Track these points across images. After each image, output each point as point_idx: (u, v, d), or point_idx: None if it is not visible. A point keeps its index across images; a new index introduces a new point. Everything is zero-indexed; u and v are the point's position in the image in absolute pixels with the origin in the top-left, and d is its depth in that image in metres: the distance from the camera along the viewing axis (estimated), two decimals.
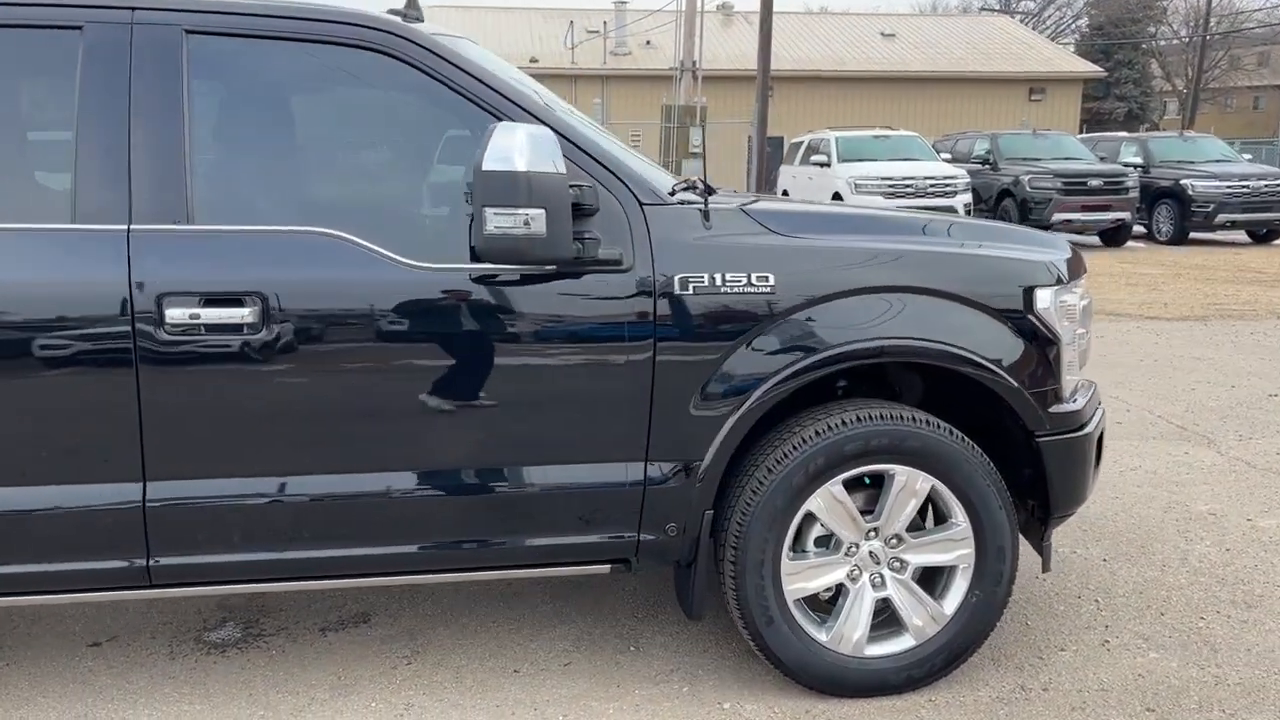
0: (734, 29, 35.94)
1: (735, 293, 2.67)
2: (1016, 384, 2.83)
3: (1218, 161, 18.24)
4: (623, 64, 33.73)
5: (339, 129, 2.80)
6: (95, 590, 2.62)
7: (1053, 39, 46.63)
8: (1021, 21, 46.69)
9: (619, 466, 2.70)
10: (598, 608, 3.47)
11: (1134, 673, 3.05)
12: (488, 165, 2.35)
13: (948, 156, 18.36)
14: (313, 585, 2.78)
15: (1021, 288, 2.88)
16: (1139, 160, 18.48)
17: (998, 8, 49.48)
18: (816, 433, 2.75)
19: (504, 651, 3.18)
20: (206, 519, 2.57)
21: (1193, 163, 18.11)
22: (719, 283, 2.66)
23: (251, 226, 2.55)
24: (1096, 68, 37.57)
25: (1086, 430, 3.00)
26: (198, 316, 2.45)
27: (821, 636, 2.85)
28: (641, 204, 2.66)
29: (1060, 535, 4.09)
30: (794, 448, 2.74)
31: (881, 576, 2.87)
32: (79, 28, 2.50)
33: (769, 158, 22.06)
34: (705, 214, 2.72)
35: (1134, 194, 16.80)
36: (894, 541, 2.86)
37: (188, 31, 2.54)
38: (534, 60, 32.49)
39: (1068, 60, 37.79)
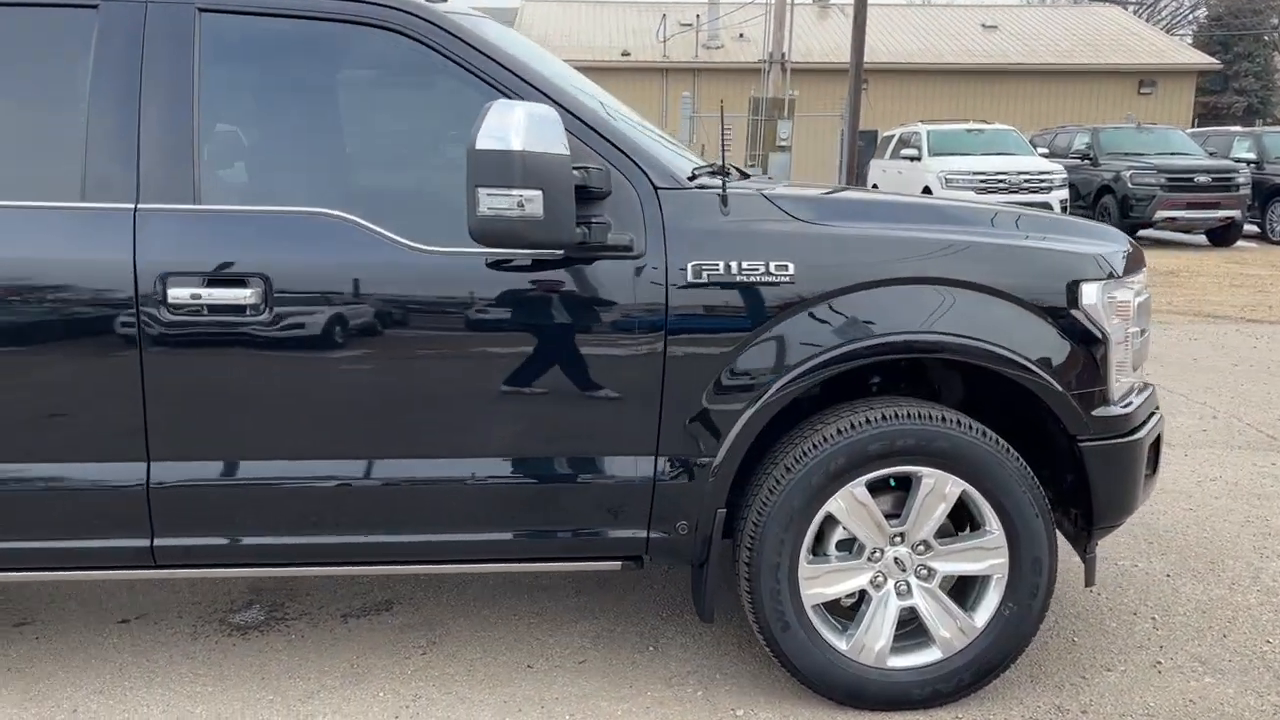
0: (830, 21, 35.35)
1: (752, 281, 2.55)
2: (1058, 385, 2.64)
3: None
4: (714, 57, 33.46)
5: (349, 109, 2.75)
6: (99, 569, 2.63)
7: (1168, 31, 44.73)
8: (1135, 13, 44.87)
9: (628, 460, 2.61)
10: (621, 604, 3.38)
11: (1185, 698, 2.83)
12: (480, 144, 2.26)
13: (1045, 151, 17.78)
14: (322, 571, 2.77)
15: (1066, 282, 2.69)
16: (1252, 156, 17.60)
17: None
18: (838, 431, 2.61)
19: (520, 645, 3.11)
20: (210, 501, 2.56)
21: None
22: (735, 271, 2.54)
23: (256, 207, 2.53)
24: (1211, 59, 35.82)
25: (1137, 436, 2.79)
26: (200, 297, 2.44)
27: (841, 645, 2.71)
28: (656, 188, 2.56)
29: (1123, 547, 3.86)
30: (814, 446, 2.61)
31: (907, 584, 2.72)
32: (95, 6, 2.51)
33: (861, 152, 21.63)
34: (724, 199, 2.61)
35: (1245, 191, 16.06)
36: (921, 548, 2.71)
37: (201, 10, 2.53)
38: (626, 54, 32.45)
39: (1181, 52, 36.18)
